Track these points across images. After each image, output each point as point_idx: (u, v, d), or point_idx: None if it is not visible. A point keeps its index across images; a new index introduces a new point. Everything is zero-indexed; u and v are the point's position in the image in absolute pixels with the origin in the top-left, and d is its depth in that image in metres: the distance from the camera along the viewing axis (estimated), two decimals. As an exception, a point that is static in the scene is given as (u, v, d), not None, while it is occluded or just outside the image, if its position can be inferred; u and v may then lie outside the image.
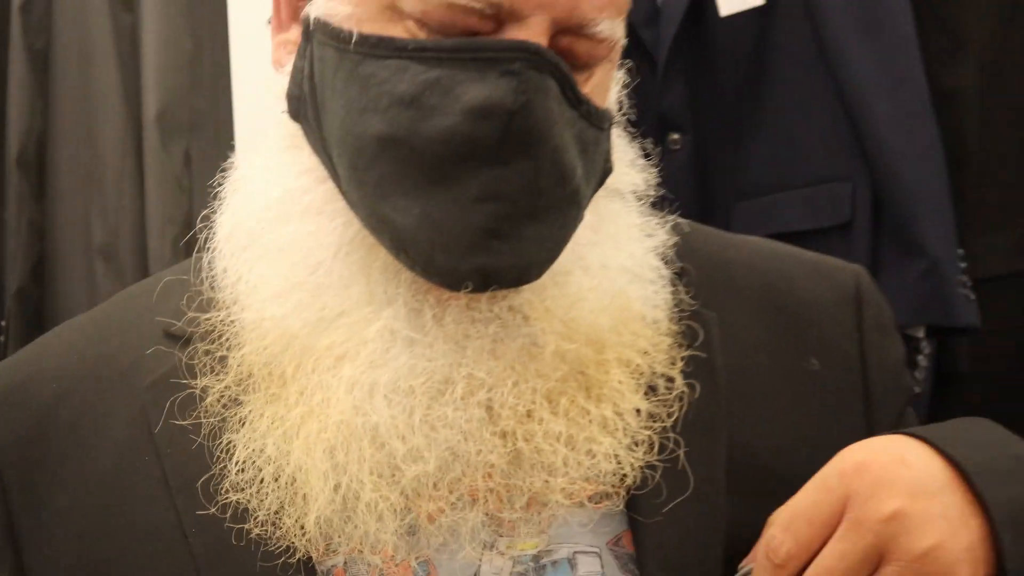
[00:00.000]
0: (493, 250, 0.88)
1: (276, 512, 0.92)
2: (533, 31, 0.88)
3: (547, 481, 0.93)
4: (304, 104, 0.96)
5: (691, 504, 0.94)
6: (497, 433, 0.93)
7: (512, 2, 0.87)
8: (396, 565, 0.94)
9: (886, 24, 1.95)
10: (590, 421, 0.94)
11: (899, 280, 1.94)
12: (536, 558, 0.94)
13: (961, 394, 2.06)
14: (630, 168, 1.03)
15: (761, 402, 1.00)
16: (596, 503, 0.95)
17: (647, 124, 2.06)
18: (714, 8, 1.98)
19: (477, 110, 0.86)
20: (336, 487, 0.92)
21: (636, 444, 0.94)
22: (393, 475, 0.92)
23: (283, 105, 0.98)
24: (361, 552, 0.93)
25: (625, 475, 0.94)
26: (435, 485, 0.93)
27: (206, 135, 2.14)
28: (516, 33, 0.88)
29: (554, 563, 0.95)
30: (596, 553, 0.95)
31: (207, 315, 0.99)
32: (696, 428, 0.96)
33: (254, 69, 1.99)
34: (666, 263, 1.02)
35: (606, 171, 0.98)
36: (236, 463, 0.93)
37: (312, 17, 0.94)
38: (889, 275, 1.94)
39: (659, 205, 1.70)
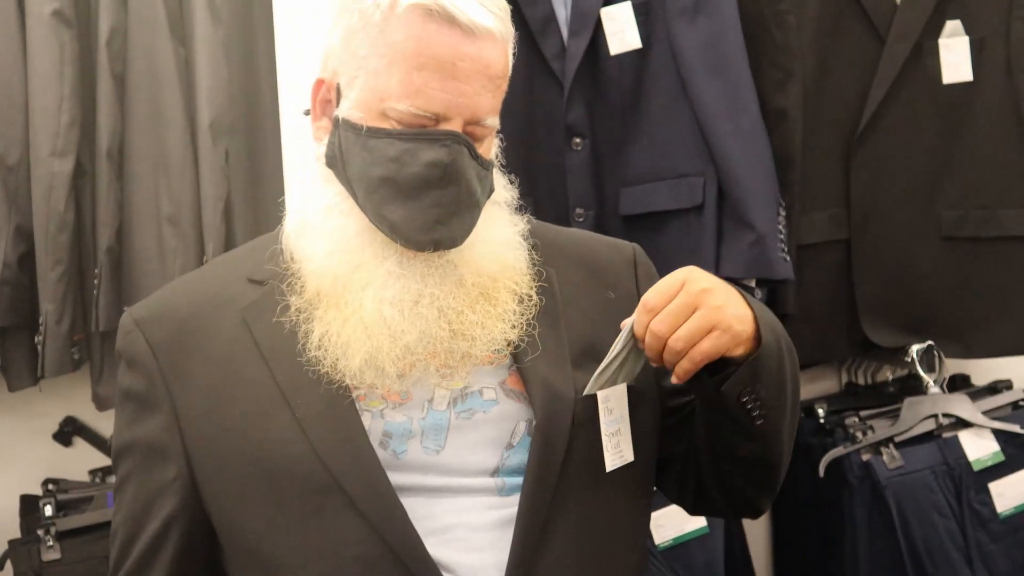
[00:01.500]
0: (439, 232, 1.30)
1: (335, 361, 1.29)
2: (454, 124, 1.30)
3: (470, 346, 1.32)
4: (336, 160, 1.35)
5: (543, 358, 1.33)
6: (445, 322, 1.31)
7: (444, 113, 1.29)
8: (390, 393, 1.31)
9: (727, 65, 2.28)
10: (491, 316, 1.33)
11: (735, 246, 2.27)
12: (463, 390, 1.33)
13: (789, 328, 2.16)
14: (504, 190, 1.40)
15: (583, 310, 1.40)
16: (494, 361, 1.34)
17: (557, 131, 2.31)
18: (606, 48, 2.30)
19: (429, 163, 1.28)
20: (368, 348, 1.29)
21: (513, 327, 1.33)
22: (394, 343, 1.29)
23: (322, 160, 1.37)
24: (373, 387, 1.30)
25: (510, 342, 1.33)
26: (413, 350, 1.31)
27: (240, 139, 2.31)
28: (446, 125, 1.29)
29: (471, 392, 1.33)
30: (493, 388, 1.34)
31: (285, 266, 1.33)
32: (544, 319, 1.35)
33: (288, 93, 2.14)
34: (524, 240, 1.40)
35: (491, 191, 1.37)
36: (313, 339, 1.29)
37: (340, 117, 1.34)
38: (729, 243, 2.28)
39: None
